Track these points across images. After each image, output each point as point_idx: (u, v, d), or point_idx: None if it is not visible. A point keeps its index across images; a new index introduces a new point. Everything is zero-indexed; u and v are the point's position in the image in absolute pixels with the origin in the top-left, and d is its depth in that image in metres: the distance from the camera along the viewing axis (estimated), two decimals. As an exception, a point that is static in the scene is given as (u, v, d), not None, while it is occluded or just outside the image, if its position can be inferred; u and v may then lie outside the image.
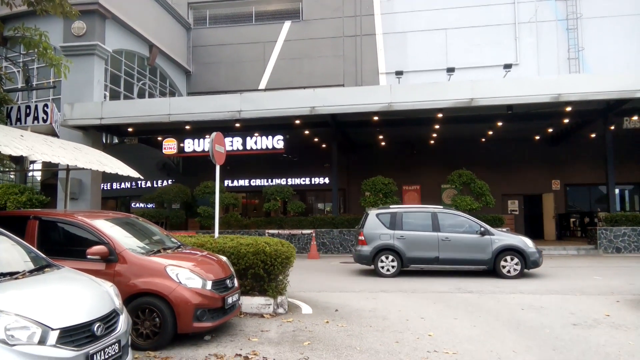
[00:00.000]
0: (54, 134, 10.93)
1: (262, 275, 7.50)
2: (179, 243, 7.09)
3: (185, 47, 26.85)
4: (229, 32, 26.95)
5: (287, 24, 26.26)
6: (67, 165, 9.80)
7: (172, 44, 24.99)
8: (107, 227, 6.17)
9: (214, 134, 9.16)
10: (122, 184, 26.38)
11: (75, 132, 18.20)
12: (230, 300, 6.24)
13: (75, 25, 18.51)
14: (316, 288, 10.02)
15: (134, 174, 9.64)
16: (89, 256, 5.67)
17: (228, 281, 6.39)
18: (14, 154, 6.63)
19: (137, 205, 24.69)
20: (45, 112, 10.26)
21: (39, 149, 7.45)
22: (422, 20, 24.71)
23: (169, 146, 19.40)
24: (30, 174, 26.00)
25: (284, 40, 26.09)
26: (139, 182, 26.01)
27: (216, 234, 9.13)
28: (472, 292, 9.41)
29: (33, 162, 17.01)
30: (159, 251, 6.28)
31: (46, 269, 4.49)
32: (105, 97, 19.42)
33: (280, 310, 7.55)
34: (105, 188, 26.22)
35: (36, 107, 10.29)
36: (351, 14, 25.46)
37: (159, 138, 20.14)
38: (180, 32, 26.40)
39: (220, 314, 6.05)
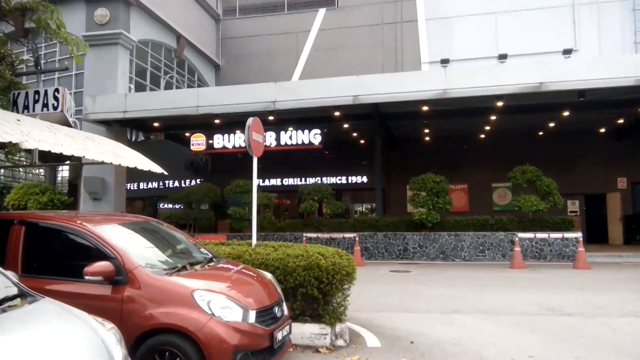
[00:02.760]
0: (67, 124, 9.48)
1: (316, 297, 5.80)
2: (210, 255, 5.45)
3: (214, 39, 25.48)
4: (260, 23, 25.44)
5: (322, 12, 24.59)
6: (81, 159, 8.36)
7: (200, 36, 23.64)
8: (116, 236, 4.57)
9: (250, 119, 7.51)
10: (149, 183, 25.18)
11: (98, 127, 16.91)
12: (280, 335, 4.57)
13: (98, 13, 17.30)
14: (373, 305, 8.27)
15: (156, 168, 8.10)
16: (87, 277, 4.07)
17: (276, 309, 4.71)
18: (0, 140, 5.09)
19: (165, 206, 23.42)
20: (56, 98, 8.86)
21: (37, 136, 5.93)
22: (469, 3, 22.68)
23: (197, 142, 17.95)
24: (60, 172, 25.07)
25: (318, 30, 24.43)
26: (167, 181, 24.81)
27: (254, 241, 7.47)
28: (570, 315, 7.48)
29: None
30: (184, 268, 4.64)
31: (11, 303, 2.88)
32: (130, 90, 18.13)
33: (340, 342, 5.83)
34: (131, 188, 25.08)
35: (46, 92, 8.91)
36: (391, 0, 23.59)
37: (187, 134, 18.72)
38: (209, 23, 25.04)
39: (267, 355, 4.38)
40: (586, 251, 13.29)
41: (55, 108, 8.88)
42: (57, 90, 8.98)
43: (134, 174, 20.13)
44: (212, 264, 5.12)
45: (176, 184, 24.05)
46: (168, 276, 4.34)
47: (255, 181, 7.86)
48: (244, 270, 5.10)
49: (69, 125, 9.72)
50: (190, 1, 23.11)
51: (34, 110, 8.91)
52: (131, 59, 18.61)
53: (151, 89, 19.85)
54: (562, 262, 14.38)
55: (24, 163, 20.93)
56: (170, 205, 23.50)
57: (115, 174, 17.06)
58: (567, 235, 14.17)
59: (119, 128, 17.62)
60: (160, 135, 19.87)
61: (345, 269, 5.87)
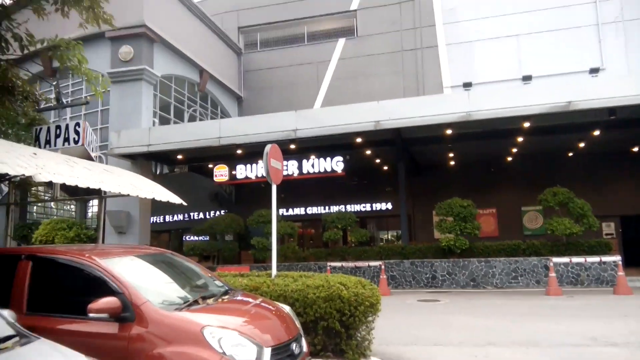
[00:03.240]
0: (89, 157, 9.53)
1: (338, 330, 5.48)
2: (226, 287, 5.20)
3: (236, 73, 25.86)
4: (281, 55, 25.78)
5: (341, 42, 24.77)
6: (103, 193, 8.31)
7: (223, 69, 24.02)
8: (125, 270, 4.38)
9: (268, 146, 7.36)
10: (175, 216, 25.31)
11: (123, 161, 17.14)
12: (298, 374, 4.25)
13: (123, 50, 17.73)
14: (401, 338, 7.83)
15: (174, 199, 7.98)
16: (91, 314, 3.86)
17: (294, 345, 4.41)
18: (12, 172, 5.04)
19: (191, 238, 23.41)
20: (77, 132, 8.93)
21: (52, 169, 5.87)
22: (489, 27, 22.50)
23: (220, 173, 17.95)
24: (91, 207, 25.41)
25: (339, 59, 24.58)
26: (192, 213, 24.90)
27: (273, 272, 7.20)
28: (616, 345, 6.91)
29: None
30: (196, 302, 4.40)
31: (2, 345, 2.68)
32: (154, 124, 18.38)
33: (365, 379, 5.46)
34: (157, 221, 25.24)
35: (67, 127, 8.99)
36: (410, 27, 23.64)
37: (210, 165, 18.77)
38: (231, 57, 25.48)
39: (284, 396, 4.06)
40: (625, 275, 12.54)
41: (76, 142, 8.95)
42: (77, 124, 9.06)
43: (159, 207, 20.24)
44: (226, 297, 4.87)
45: (201, 215, 24.10)
46: (178, 311, 4.10)
47: (275, 210, 7.64)
48: (260, 304, 4.83)
49: (91, 159, 9.75)
50: (213, 37, 23.59)
51: (55, 145, 9.00)
52: (155, 94, 18.94)
53: (175, 123, 20.10)
54: (601, 288, 13.60)
55: (46, 198, 21.25)
56: (196, 238, 23.52)
57: (140, 207, 17.14)
58: (605, 258, 13.43)
59: (144, 162, 17.80)
60: (184, 167, 19.98)
61: (368, 300, 5.55)
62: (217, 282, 5.30)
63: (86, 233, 18.73)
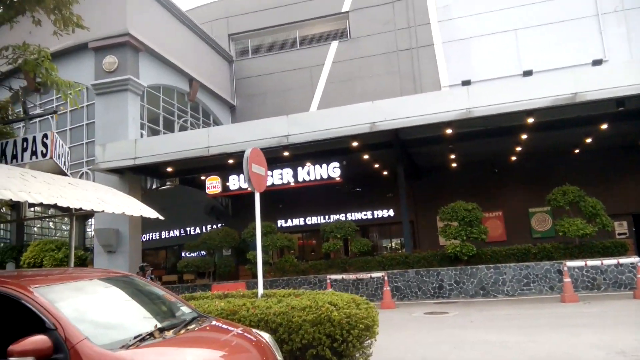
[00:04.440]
0: (60, 172, 8.77)
1: (330, 359, 4.65)
2: (194, 314, 4.40)
3: (228, 81, 25.21)
4: (273, 60, 25.15)
5: (335, 45, 24.14)
6: (72, 209, 7.55)
7: (214, 78, 23.36)
8: (64, 300, 3.58)
9: (249, 149, 6.59)
10: (171, 232, 24.54)
11: (110, 176, 16.41)
12: (276, 422, 3.43)
13: (107, 61, 17.08)
14: (408, 358, 6.99)
15: (149, 213, 7.21)
16: (11, 359, 3.07)
17: (272, 384, 3.59)
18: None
19: (191, 254, 22.64)
20: (45, 145, 8.17)
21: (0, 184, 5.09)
22: (486, 23, 21.85)
23: (213, 185, 17.19)
24: (91, 227, 24.62)
25: (332, 62, 23.93)
26: (188, 228, 24.13)
27: (260, 291, 6.41)
28: (649, 360, 6.08)
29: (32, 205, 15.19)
30: (151, 336, 3.59)
31: None
32: (142, 136, 17.66)
33: (364, 416, 4.63)
34: (152, 238, 24.49)
35: (34, 139, 8.24)
36: (404, 26, 22.99)
37: (202, 177, 18.00)
38: (222, 65, 24.83)
39: None
40: (645, 277, 11.68)
41: (44, 155, 8.20)
42: (45, 135, 8.32)
43: (153, 223, 19.50)
44: (192, 326, 4.05)
45: (197, 230, 23.32)
46: (124, 349, 3.29)
47: (259, 221, 6.88)
48: (233, 333, 4.03)
49: (63, 174, 8.99)
50: (202, 44, 22.96)
51: (22, 160, 8.25)
52: (142, 105, 18.25)
53: (164, 134, 19.39)
54: (620, 292, 12.71)
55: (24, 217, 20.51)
56: (194, 254, 22.69)
57: (130, 224, 16.38)
58: (623, 260, 12.52)
59: (132, 176, 17.05)
60: (176, 180, 19.21)
61: (363, 322, 4.74)
62: (184, 308, 4.50)
63: (76, 254, 17.98)
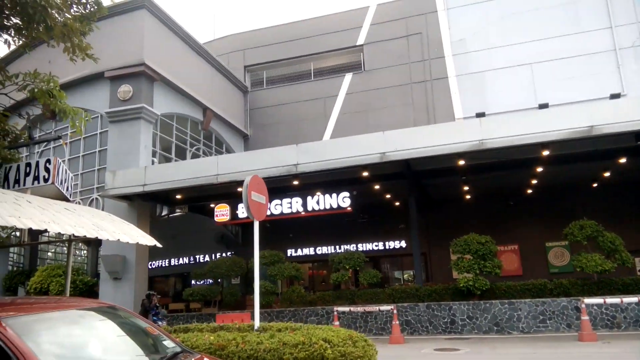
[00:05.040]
0: (63, 197, 8.72)
1: (322, 401, 4.34)
2: (179, 349, 4.16)
3: (242, 110, 25.43)
4: (287, 91, 25.36)
5: (348, 77, 24.27)
6: (70, 236, 7.43)
7: (228, 107, 23.58)
8: (36, 333, 3.39)
9: (249, 177, 6.45)
10: (180, 259, 24.40)
11: (120, 203, 16.42)
12: None
13: (121, 90, 17.34)
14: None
15: (147, 241, 7.06)
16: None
17: None
18: None
19: (202, 282, 22.39)
20: (47, 170, 8.15)
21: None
22: (501, 56, 21.80)
23: (222, 213, 17.04)
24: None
25: (346, 94, 24.01)
26: (198, 256, 23.97)
27: (256, 323, 6.14)
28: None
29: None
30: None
31: None
32: (153, 164, 17.72)
33: None
34: (162, 265, 24.37)
35: (37, 164, 8.23)
36: (418, 59, 23.05)
37: (212, 205, 17.91)
38: (236, 95, 25.09)
39: None
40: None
41: (46, 180, 8.17)
42: (48, 161, 8.30)
43: (163, 251, 19.36)
44: (175, 362, 3.82)
45: (207, 258, 23.14)
46: (91, 388, 3.07)
47: (257, 251, 6.65)
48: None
49: (65, 199, 8.93)
50: (217, 75, 23.27)
51: (24, 184, 8.23)
52: (155, 133, 18.40)
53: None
54: (641, 332, 12.07)
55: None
56: (203, 282, 22.45)
57: (137, 252, 16.25)
58: (644, 299, 11.91)
59: (142, 203, 17.04)
60: (185, 208, 19.15)
61: (358, 361, 4.42)
62: (168, 343, 4.26)
63: (82, 279, 17.91)
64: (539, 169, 15.27)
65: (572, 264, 13.96)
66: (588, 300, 11.71)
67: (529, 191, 18.62)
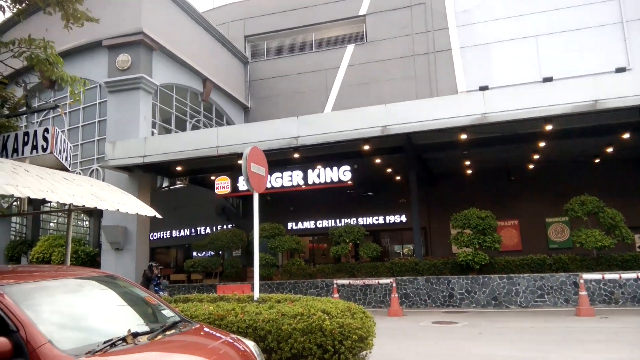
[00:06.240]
0: (62, 167, 8.65)
1: (320, 371, 4.36)
2: (178, 318, 4.15)
3: (242, 82, 25.13)
4: (288, 63, 25.00)
5: (351, 48, 23.88)
6: (69, 205, 7.39)
7: (228, 79, 23.28)
8: (33, 300, 3.37)
9: (248, 148, 6.37)
10: (182, 231, 24.51)
11: (120, 174, 16.39)
12: None
13: (120, 59, 17.07)
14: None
15: (146, 211, 7.02)
16: (-35, 361, 2.85)
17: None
18: None
19: (203, 254, 22.56)
20: (46, 139, 8.05)
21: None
22: (506, 28, 21.39)
23: (222, 185, 17.01)
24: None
25: (348, 65, 23.67)
26: (199, 228, 24.06)
27: (255, 294, 6.16)
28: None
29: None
30: (123, 340, 3.34)
31: None
32: (153, 135, 17.59)
33: None
34: (164, 236, 24.49)
35: (35, 133, 8.13)
36: (422, 30, 22.63)
37: (212, 177, 17.87)
38: (237, 66, 24.76)
39: None
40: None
41: (44, 149, 8.08)
42: (46, 130, 8.20)
43: (164, 222, 19.43)
44: (171, 331, 3.80)
45: (208, 230, 23.24)
46: (89, 355, 3.06)
47: (257, 223, 6.62)
48: (222, 340, 3.78)
49: (65, 169, 8.87)
50: (217, 45, 22.91)
51: (23, 154, 8.14)
52: (155, 104, 18.20)
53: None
54: (638, 307, 12.15)
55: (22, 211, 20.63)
56: (202, 254, 22.61)
57: (138, 223, 16.30)
58: (643, 274, 11.96)
59: (142, 174, 16.99)
60: (186, 180, 19.11)
61: (357, 332, 4.44)
62: (167, 312, 4.25)
63: (84, 250, 18.03)
64: (542, 144, 15.15)
65: (572, 239, 13.98)
66: (587, 276, 11.77)
67: (531, 166, 18.53)
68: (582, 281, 11.45)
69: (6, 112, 9.01)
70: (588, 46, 20.20)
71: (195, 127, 20.80)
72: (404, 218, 21.27)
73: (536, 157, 17.15)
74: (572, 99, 12.05)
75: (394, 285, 13.24)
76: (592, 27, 20.45)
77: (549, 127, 13.23)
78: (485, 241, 13.89)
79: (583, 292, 11.33)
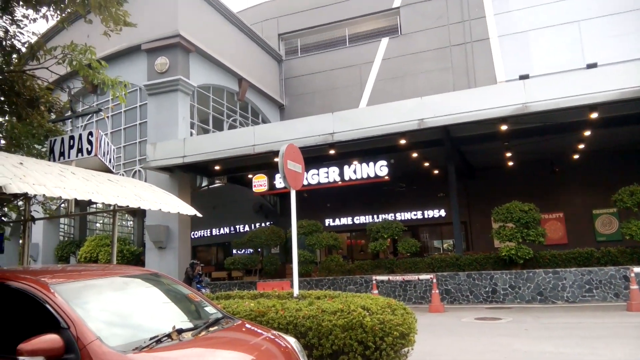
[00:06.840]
0: (106, 169, 8.94)
1: (362, 367, 4.34)
2: (219, 315, 4.22)
3: (277, 80, 25.30)
4: (322, 59, 25.00)
5: (385, 41, 23.64)
6: (114, 206, 7.63)
7: (263, 77, 23.49)
8: (81, 298, 3.49)
9: (284, 145, 6.39)
10: (222, 229, 24.98)
11: (161, 174, 16.82)
12: None
13: (158, 62, 17.49)
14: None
15: (187, 210, 7.17)
16: (21, 358, 2.98)
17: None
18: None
19: (243, 251, 22.92)
20: (90, 142, 8.34)
21: (33, 179, 5.15)
22: (546, 14, 20.67)
23: (259, 183, 17.19)
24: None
25: (382, 59, 23.45)
26: (238, 226, 24.45)
27: (295, 291, 6.19)
28: None
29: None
30: (168, 337, 3.42)
31: None
32: (191, 135, 17.96)
33: None
34: (204, 235, 25.01)
35: (80, 137, 8.44)
36: (458, 20, 22.16)
37: (250, 175, 18.10)
38: (271, 65, 24.94)
39: None
40: None
41: (89, 152, 8.37)
42: (90, 133, 8.49)
43: (204, 221, 19.81)
44: (213, 328, 3.87)
45: (247, 228, 23.59)
46: (136, 353, 3.14)
47: (295, 220, 6.65)
48: (263, 336, 3.82)
49: (108, 171, 9.16)
50: (251, 44, 23.13)
51: (69, 157, 8.47)
52: (193, 104, 18.58)
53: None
54: (697, 302, 11.52)
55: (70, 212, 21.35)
56: (241, 251, 22.99)
57: (179, 222, 16.70)
58: (700, 267, 11.33)
59: (182, 174, 17.37)
60: (224, 179, 19.43)
61: (397, 329, 4.39)
62: (209, 309, 4.33)
63: (129, 249, 18.60)
64: (586, 133, 14.57)
65: (621, 231, 13.40)
66: (637, 269, 11.25)
67: (575, 156, 17.86)
68: (632, 275, 10.97)
69: (53, 117, 9.37)
70: (633, 30, 19.27)
71: (232, 127, 21.10)
72: (443, 212, 20.94)
73: (581, 146, 16.52)
74: (618, 85, 11.52)
75: (435, 281, 13.05)
76: (637, 9, 19.49)
77: (593, 115, 12.70)
78: (529, 235, 13.49)
79: (634, 286, 10.85)
